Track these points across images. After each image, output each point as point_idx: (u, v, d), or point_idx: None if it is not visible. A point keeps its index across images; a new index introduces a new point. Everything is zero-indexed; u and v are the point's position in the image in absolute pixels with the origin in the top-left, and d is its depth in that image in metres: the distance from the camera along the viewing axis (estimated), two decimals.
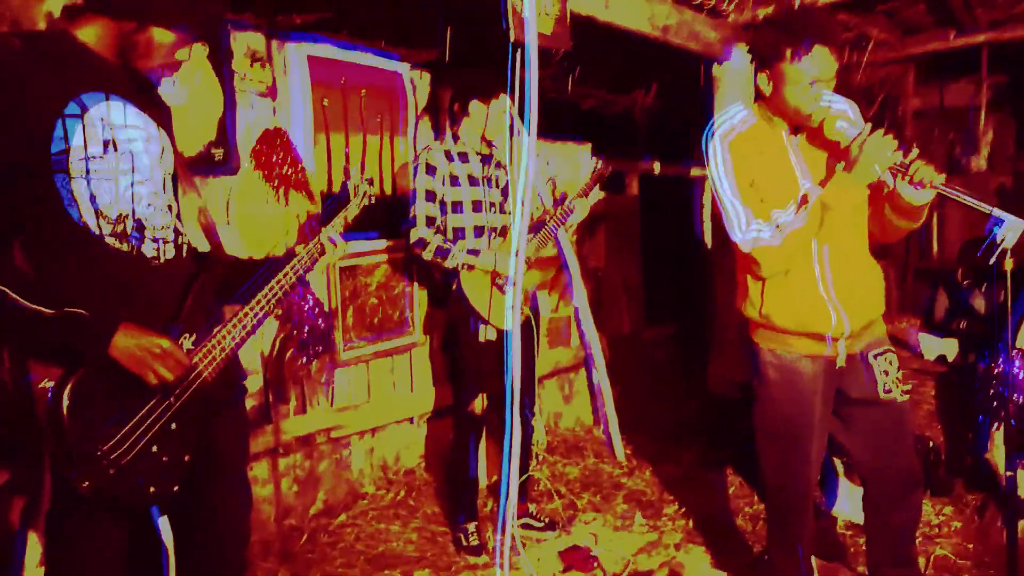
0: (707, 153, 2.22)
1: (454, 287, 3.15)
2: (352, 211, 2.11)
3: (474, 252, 3.08)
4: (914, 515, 2.37)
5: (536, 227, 3.29)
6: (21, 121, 1.48)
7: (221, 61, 3.04)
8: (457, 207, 3.16)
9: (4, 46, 1.50)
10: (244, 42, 3.16)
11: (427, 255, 3.08)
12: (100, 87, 1.59)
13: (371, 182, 2.19)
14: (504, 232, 3.25)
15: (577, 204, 3.27)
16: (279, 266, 1.88)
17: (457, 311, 3.17)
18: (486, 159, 3.26)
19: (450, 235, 3.15)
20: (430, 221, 3.11)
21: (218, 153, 3.01)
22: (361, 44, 3.68)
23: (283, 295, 1.85)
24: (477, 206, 3.20)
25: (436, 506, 3.68)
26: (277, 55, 3.32)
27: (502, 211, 3.29)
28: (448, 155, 3.17)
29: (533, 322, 3.26)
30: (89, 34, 1.60)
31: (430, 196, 3.11)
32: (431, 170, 3.12)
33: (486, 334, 3.13)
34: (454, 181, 3.15)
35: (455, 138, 3.24)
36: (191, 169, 2.90)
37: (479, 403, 3.20)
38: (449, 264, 3.08)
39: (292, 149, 3.32)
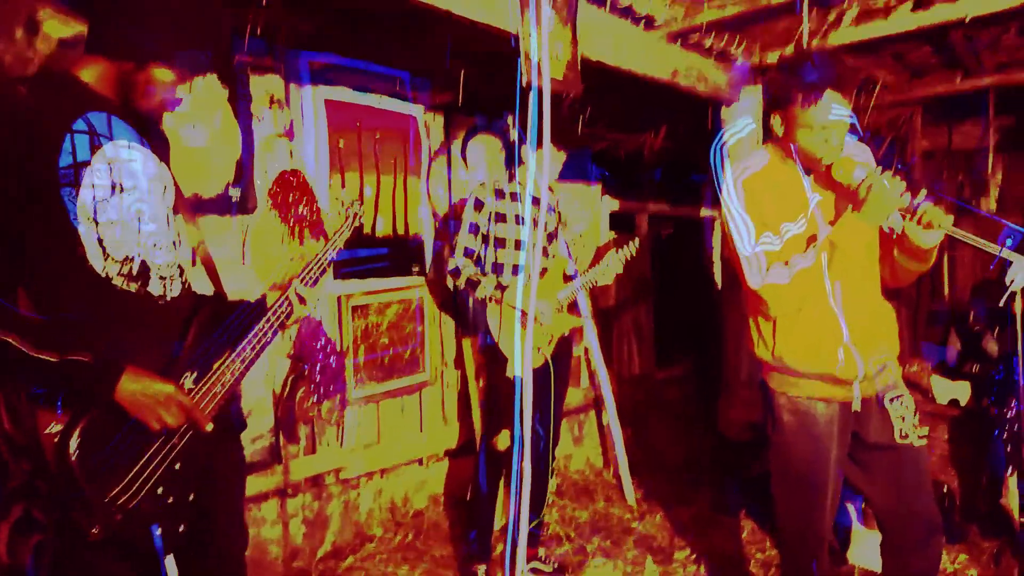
0: (715, 166, 2.24)
1: (483, 320, 3.21)
2: (344, 234, 2.10)
3: (502, 288, 3.14)
4: (933, 562, 2.32)
5: (571, 278, 3.40)
6: (32, 151, 1.51)
7: (240, 104, 3.10)
8: (500, 243, 3.24)
9: (12, 91, 1.54)
10: (263, 85, 3.23)
11: (460, 283, 3.15)
12: (105, 123, 1.63)
13: (361, 203, 2.18)
14: (542, 274, 3.32)
15: (603, 275, 3.41)
16: (255, 317, 1.85)
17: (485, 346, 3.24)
18: (537, 201, 3.34)
19: (489, 269, 3.22)
20: (468, 252, 3.19)
21: (236, 194, 3.06)
22: (376, 88, 3.75)
23: (264, 346, 1.84)
24: (519, 245, 3.26)
25: (444, 549, 3.64)
26: (295, 97, 3.38)
27: (544, 254, 3.37)
28: (499, 193, 3.25)
29: (551, 366, 3.26)
30: (90, 75, 1.64)
31: (473, 228, 3.20)
32: (479, 205, 3.21)
33: (512, 370, 3.16)
34: (500, 218, 3.23)
35: (511, 177, 3.33)
36: (208, 209, 2.97)
37: (502, 439, 3.20)
38: (478, 295, 3.15)
39: (308, 189, 3.37)
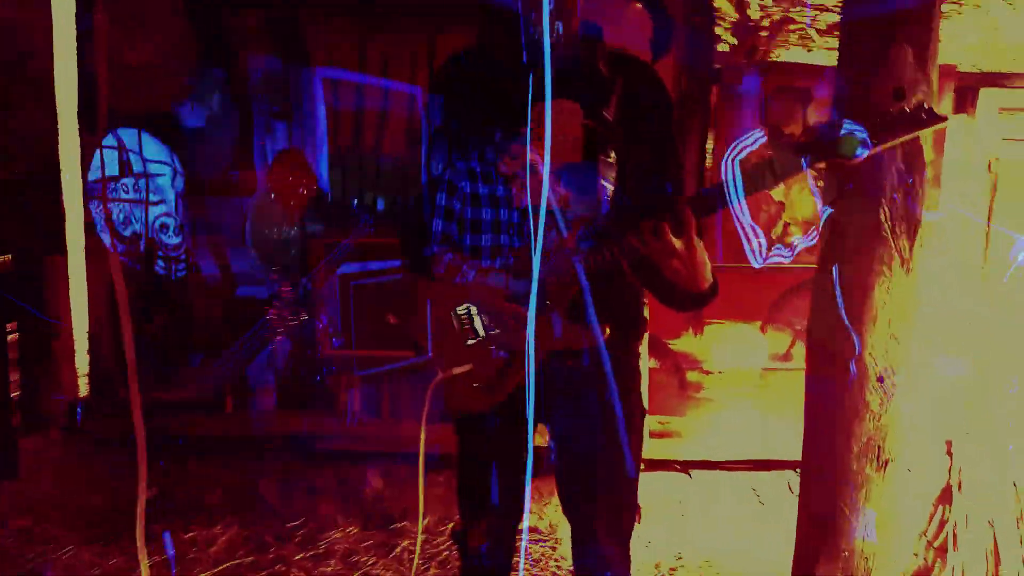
0: (726, 180, 2.25)
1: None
2: (350, 249, 2.09)
3: (485, 272, 3.11)
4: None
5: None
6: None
7: (240, 86, 3.09)
8: (477, 226, 3.19)
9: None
10: (260, 66, 3.21)
11: (439, 269, 3.13)
12: (119, 116, 1.62)
13: (373, 217, 2.17)
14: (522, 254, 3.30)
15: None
16: (262, 310, 1.86)
17: None
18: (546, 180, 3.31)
19: (468, 253, 3.18)
20: (446, 238, 3.15)
21: (236, 175, 3.05)
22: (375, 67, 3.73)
23: (269, 341, 1.85)
24: (499, 227, 3.22)
25: (450, 523, 3.67)
26: (293, 77, 3.37)
27: (546, 232, 3.34)
28: (473, 175, 3.20)
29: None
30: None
31: (449, 214, 3.16)
32: (452, 189, 3.16)
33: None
34: (476, 200, 3.18)
35: (485, 160, 3.29)
36: (209, 191, 2.97)
37: None
38: (460, 281, 3.11)
39: (308, 170, 3.36)
